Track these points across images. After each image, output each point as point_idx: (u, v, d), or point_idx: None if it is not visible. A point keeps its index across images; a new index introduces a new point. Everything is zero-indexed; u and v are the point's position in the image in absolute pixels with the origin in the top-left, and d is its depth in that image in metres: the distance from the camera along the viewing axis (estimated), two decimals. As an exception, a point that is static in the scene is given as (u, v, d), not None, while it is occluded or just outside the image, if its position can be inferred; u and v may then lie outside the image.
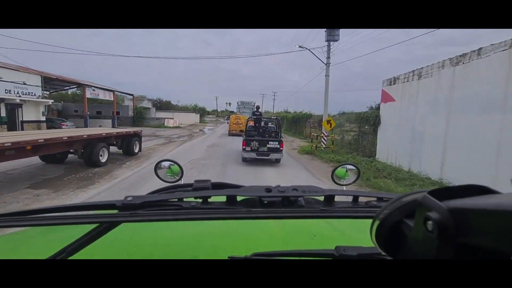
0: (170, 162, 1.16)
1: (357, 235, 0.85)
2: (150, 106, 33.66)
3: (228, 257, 0.55)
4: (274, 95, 61.27)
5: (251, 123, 9.62)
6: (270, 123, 10.08)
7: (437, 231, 0.26)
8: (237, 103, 35.80)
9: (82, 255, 0.50)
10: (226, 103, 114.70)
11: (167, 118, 30.36)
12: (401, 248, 0.35)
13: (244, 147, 8.11)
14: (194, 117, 42.19)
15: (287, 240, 0.88)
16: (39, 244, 0.85)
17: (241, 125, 18.89)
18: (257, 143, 8.07)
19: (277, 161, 8.56)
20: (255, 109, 10.39)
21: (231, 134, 19.82)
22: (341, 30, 12.24)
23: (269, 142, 8.14)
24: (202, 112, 49.28)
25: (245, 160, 8.41)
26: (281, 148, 8.16)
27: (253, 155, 8.11)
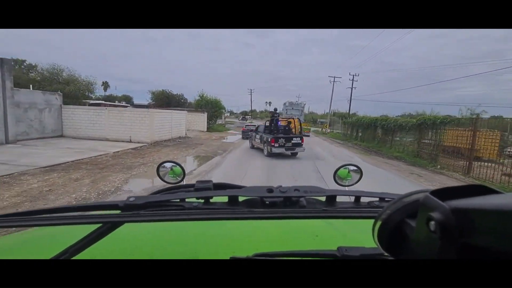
0: (172, 164, 1.16)
1: (359, 235, 0.85)
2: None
3: (230, 257, 0.55)
4: (350, 97, 37.22)
5: (272, 124, 11.00)
6: (289, 123, 11.72)
7: (440, 232, 0.26)
8: (284, 104, 31.06)
9: (85, 255, 0.51)
10: (266, 102, 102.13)
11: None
12: (403, 248, 0.34)
13: (273, 144, 9.52)
14: (197, 120, 23.05)
15: (289, 240, 0.88)
16: (42, 244, 0.86)
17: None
18: (283, 139, 9.58)
19: (294, 154, 10.31)
20: (274, 111, 11.95)
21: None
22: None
23: (293, 139, 9.79)
24: (214, 111, 25.43)
25: (271, 155, 9.80)
26: (302, 143, 9.96)
27: (281, 150, 9.63)
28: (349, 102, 35.42)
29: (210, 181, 0.63)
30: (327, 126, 32.49)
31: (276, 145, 9.54)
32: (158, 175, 1.15)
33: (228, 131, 25.21)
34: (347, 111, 39.22)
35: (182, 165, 1.14)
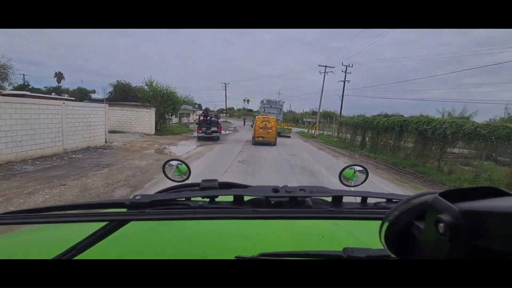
0: (178, 162, 1.17)
1: (366, 236, 0.84)
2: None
3: (235, 257, 0.56)
4: (341, 98, 30.91)
5: (203, 118, 15.48)
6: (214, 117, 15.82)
7: (449, 234, 0.26)
8: (262, 101, 27.68)
9: (91, 252, 0.51)
10: (244, 99, 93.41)
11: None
12: (411, 250, 0.34)
13: (198, 130, 14.65)
14: (143, 119, 16.62)
15: (294, 240, 0.88)
16: (49, 242, 0.87)
17: (270, 130, 14.02)
18: (205, 128, 14.56)
19: (218, 138, 14.93)
20: (205, 109, 18.01)
21: (257, 142, 13.97)
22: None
23: (212, 128, 14.69)
24: (166, 105, 18.16)
25: (200, 139, 14.64)
26: (219, 131, 14.91)
27: (203, 134, 14.44)
28: (340, 98, 28.21)
29: (216, 180, 0.62)
30: (317, 127, 26.09)
31: (200, 131, 14.40)
32: (164, 173, 1.16)
33: (189, 134, 18.04)
34: (332, 110, 35.58)
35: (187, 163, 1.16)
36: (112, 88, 30.44)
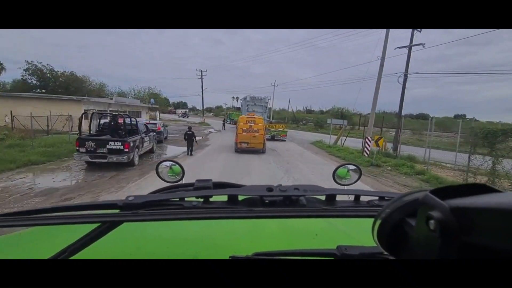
0: (172, 162, 1.16)
1: (359, 234, 0.85)
2: None
3: (230, 257, 0.55)
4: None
5: (105, 122, 9.56)
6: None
7: (439, 230, 0.26)
8: (244, 98, 23.78)
9: (83, 254, 0.50)
10: (233, 97, 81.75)
11: None
12: (403, 247, 0.35)
13: (78, 149, 7.68)
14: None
15: (288, 239, 0.88)
16: (41, 244, 0.86)
17: (257, 134, 10.71)
18: (94, 145, 7.78)
19: (131, 164, 8.70)
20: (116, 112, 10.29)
21: (240, 149, 10.85)
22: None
23: (110, 145, 7.70)
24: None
25: None
26: (125, 149, 7.71)
27: (87, 159, 7.76)
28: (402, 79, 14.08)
29: (210, 180, 0.62)
30: (381, 141, 11.03)
31: (82, 151, 7.61)
32: (158, 174, 1.14)
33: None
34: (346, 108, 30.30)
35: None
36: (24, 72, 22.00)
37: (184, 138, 10.64)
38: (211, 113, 58.32)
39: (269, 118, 23.71)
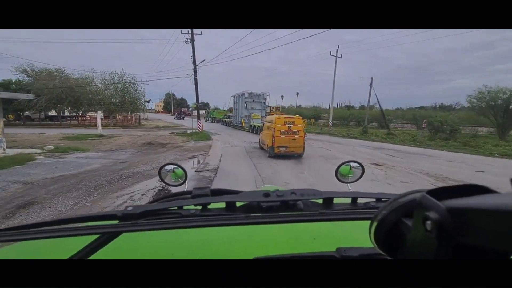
0: (174, 166, 1.14)
1: (358, 236, 0.85)
2: None
3: None
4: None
5: None
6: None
7: (436, 231, 0.26)
8: (242, 95, 21.15)
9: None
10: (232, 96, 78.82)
11: None
12: (400, 248, 0.35)
13: None
14: None
15: (287, 244, 0.88)
16: (37, 258, 0.82)
17: (297, 136, 9.45)
18: None
19: None
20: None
21: (277, 154, 9.39)
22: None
23: None
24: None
25: None
26: None
27: None
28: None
29: (208, 187, 0.63)
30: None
31: None
32: (160, 177, 1.12)
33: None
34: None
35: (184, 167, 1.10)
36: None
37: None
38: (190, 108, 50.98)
39: (266, 115, 21.63)
